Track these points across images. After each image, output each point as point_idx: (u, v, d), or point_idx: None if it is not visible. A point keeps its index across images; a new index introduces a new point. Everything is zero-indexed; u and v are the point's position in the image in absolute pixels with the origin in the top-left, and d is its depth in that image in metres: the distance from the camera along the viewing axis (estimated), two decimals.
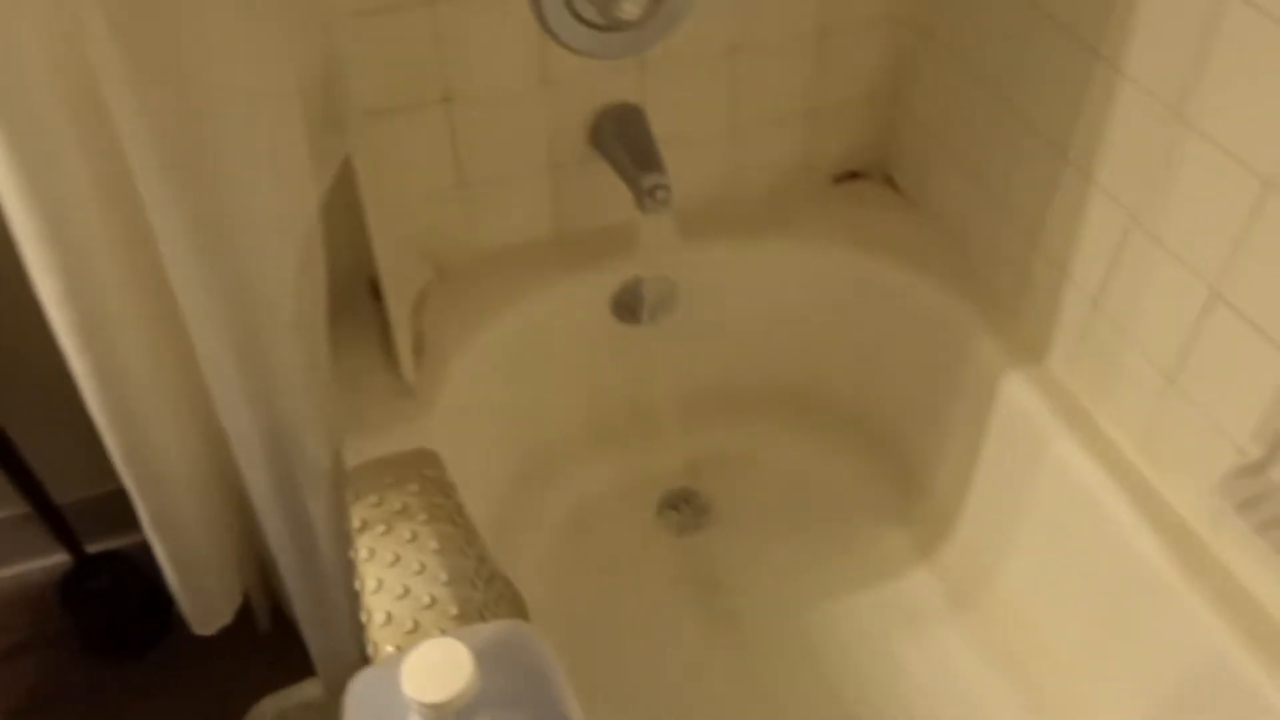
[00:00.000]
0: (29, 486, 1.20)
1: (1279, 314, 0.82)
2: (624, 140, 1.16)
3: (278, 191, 0.83)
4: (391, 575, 0.93)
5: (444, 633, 0.87)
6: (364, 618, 0.91)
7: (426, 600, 0.90)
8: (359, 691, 0.63)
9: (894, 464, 1.40)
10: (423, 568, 0.93)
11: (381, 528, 0.97)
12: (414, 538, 0.96)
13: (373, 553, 0.95)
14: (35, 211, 0.77)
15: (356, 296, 1.19)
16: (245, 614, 1.22)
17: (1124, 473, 1.03)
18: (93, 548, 1.35)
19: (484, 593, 0.98)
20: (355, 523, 0.98)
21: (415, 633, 0.88)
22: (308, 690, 1.29)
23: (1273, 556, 0.81)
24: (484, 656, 0.60)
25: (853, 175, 1.39)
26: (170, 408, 0.95)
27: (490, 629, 0.65)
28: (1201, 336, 0.91)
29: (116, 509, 1.14)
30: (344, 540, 1.01)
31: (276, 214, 0.84)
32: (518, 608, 1.17)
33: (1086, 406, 1.09)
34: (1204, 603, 0.92)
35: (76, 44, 0.70)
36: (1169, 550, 0.96)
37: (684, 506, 1.41)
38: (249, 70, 0.76)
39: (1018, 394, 1.14)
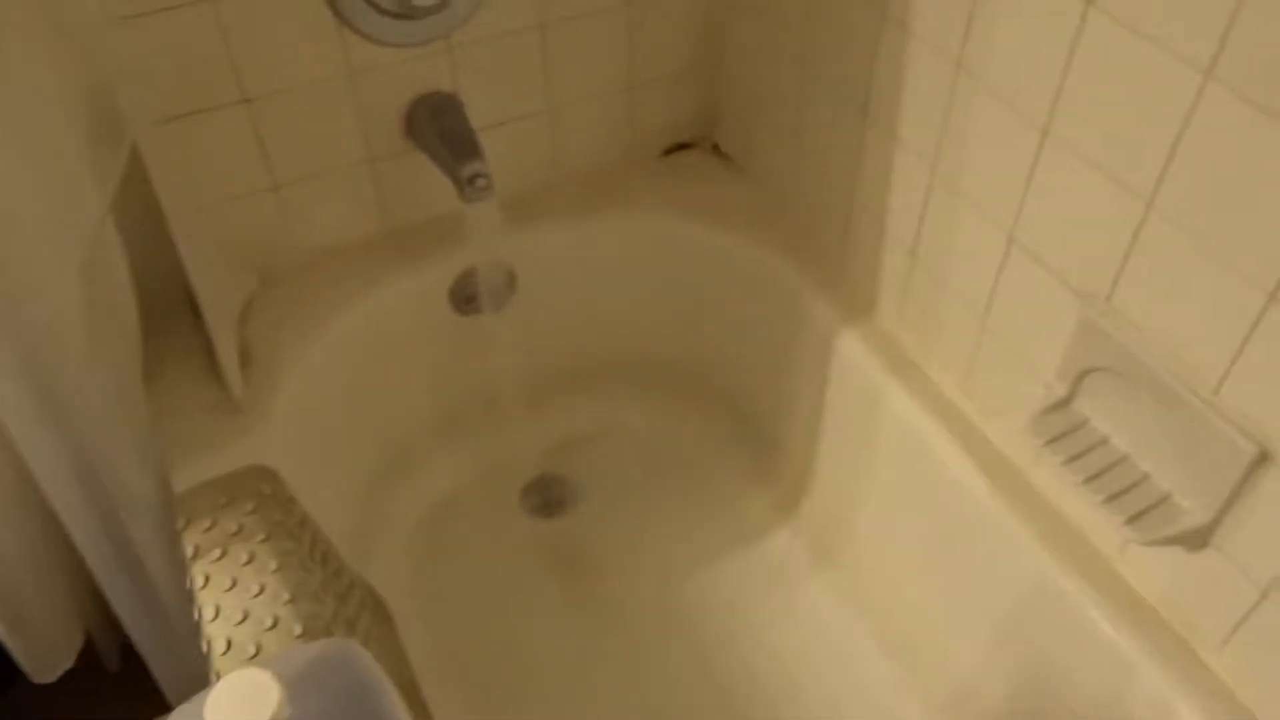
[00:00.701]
0: None
1: (1068, 256, 0.87)
2: (439, 130, 1.13)
3: (48, 211, 0.78)
4: (229, 600, 0.90)
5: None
6: (204, 647, 0.88)
7: (269, 622, 0.88)
8: None
9: (747, 428, 1.42)
10: (262, 589, 0.90)
11: (216, 552, 0.93)
12: (251, 559, 0.93)
13: (208, 579, 0.92)
14: None
15: (174, 310, 1.14)
16: (92, 654, 1.16)
17: (951, 417, 1.07)
18: None
19: (335, 605, 0.96)
20: (189, 550, 0.94)
21: (258, 657, 0.86)
22: None
23: (1082, 487, 0.85)
24: (302, 681, 0.58)
25: (681, 147, 1.39)
26: None
27: (313, 649, 0.63)
28: (1004, 281, 0.95)
29: None
30: (180, 569, 0.97)
31: (49, 234, 0.79)
32: (380, 613, 1.15)
33: (914, 357, 1.13)
34: (1027, 531, 0.98)
35: None
36: (993, 486, 1.01)
37: (545, 491, 1.41)
38: (6, 87, 0.71)
39: (851, 350, 1.17)
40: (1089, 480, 0.84)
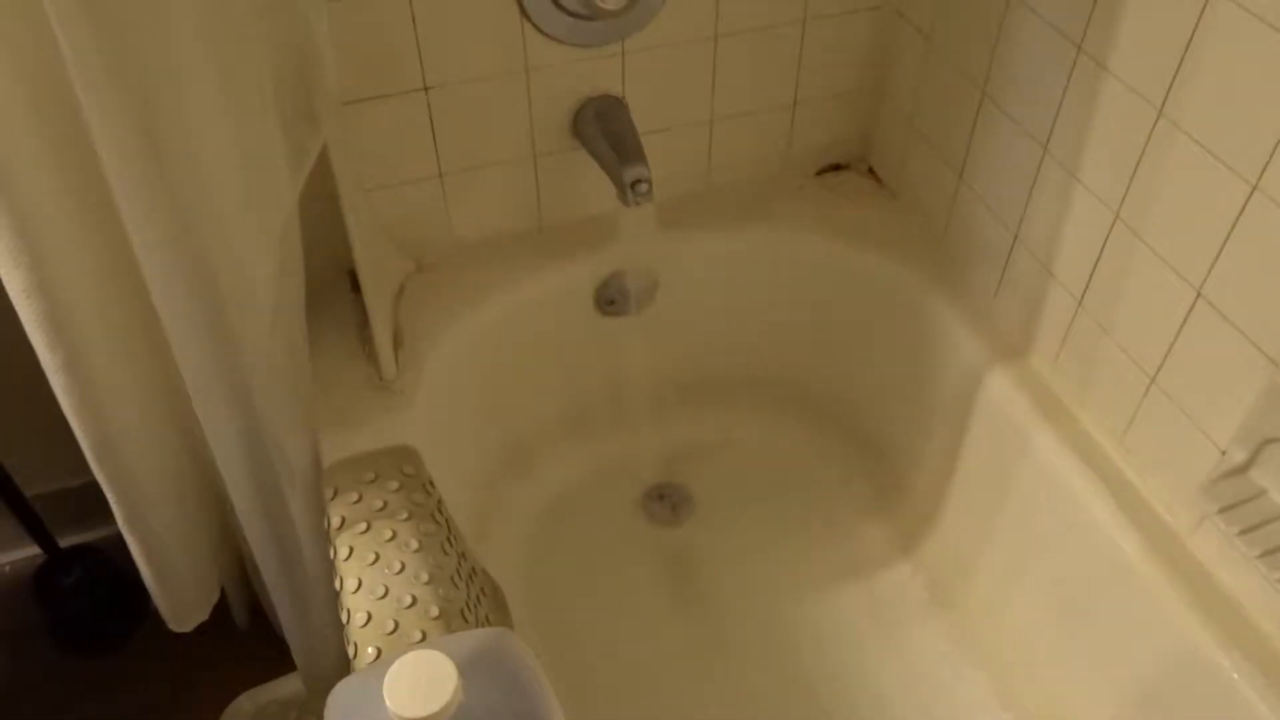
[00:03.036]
0: None
1: (1262, 317, 0.83)
2: (606, 132, 1.14)
3: (252, 184, 0.81)
4: (371, 574, 0.91)
5: (425, 636, 0.86)
6: (344, 617, 0.90)
7: (407, 600, 0.89)
8: (340, 700, 0.63)
9: (875, 457, 1.40)
10: (403, 567, 0.92)
11: (361, 526, 0.95)
12: (394, 536, 0.95)
13: (352, 551, 0.94)
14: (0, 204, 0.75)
15: (335, 289, 1.17)
16: (222, 610, 1.20)
17: (1105, 471, 1.03)
18: (66, 541, 1.33)
19: (465, 591, 0.97)
20: (334, 520, 0.96)
21: (395, 633, 0.87)
22: (285, 686, 1.28)
23: (1252, 559, 0.81)
24: (467, 667, 0.59)
25: (835, 168, 1.38)
26: (144, 403, 0.93)
27: (473, 637, 0.64)
28: (1185, 337, 0.91)
29: (90, 501, 1.12)
30: (323, 538, 0.99)
31: (252, 207, 0.82)
32: (498, 604, 1.16)
33: (1068, 404, 1.09)
34: (1180, 597, 0.93)
35: (42, 34, 0.68)
36: (1148, 548, 0.96)
37: (663, 497, 1.41)
38: (221, 61, 0.74)
39: (999, 390, 1.14)
40: (1265, 555, 0.80)
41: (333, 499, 0.98)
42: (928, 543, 1.32)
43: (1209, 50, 0.81)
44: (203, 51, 0.71)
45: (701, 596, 1.32)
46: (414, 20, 1.03)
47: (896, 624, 1.28)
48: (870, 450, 1.40)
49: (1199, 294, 0.88)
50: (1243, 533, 0.82)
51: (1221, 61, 0.81)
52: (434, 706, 0.52)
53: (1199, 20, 0.81)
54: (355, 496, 0.98)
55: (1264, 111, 0.78)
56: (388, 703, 0.53)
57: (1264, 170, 0.79)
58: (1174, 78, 0.85)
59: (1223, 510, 0.83)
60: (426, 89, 1.09)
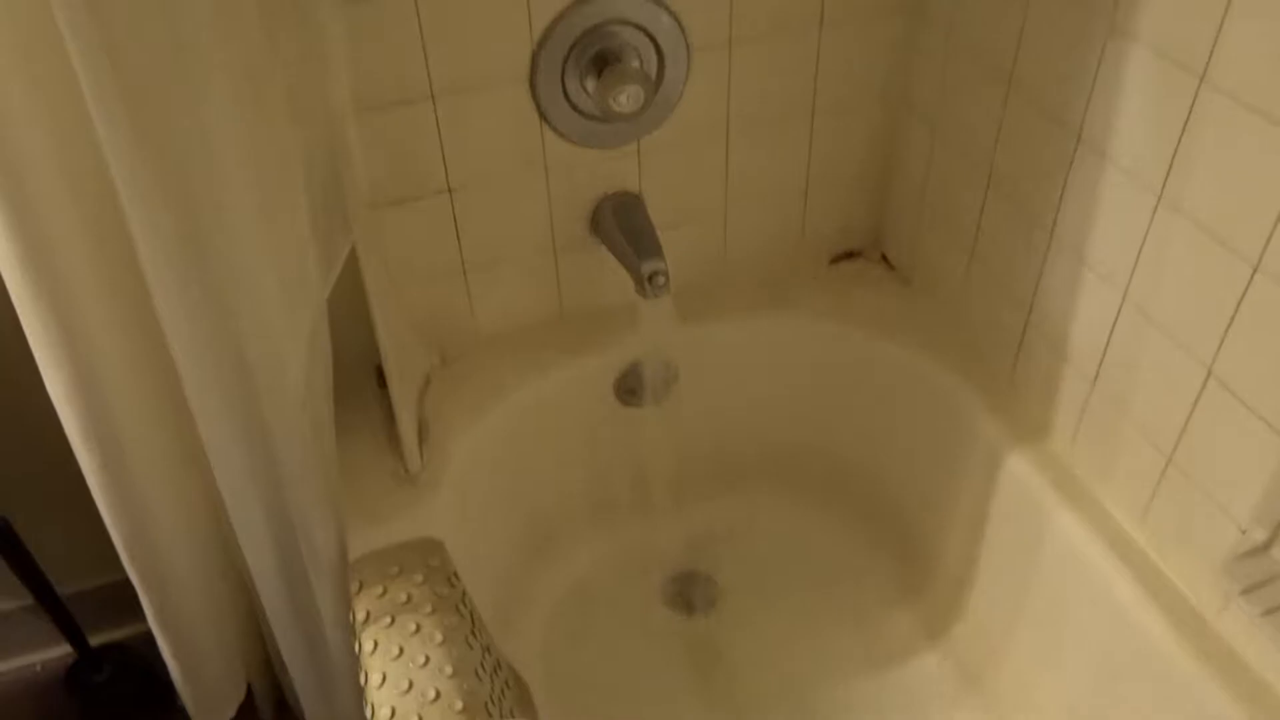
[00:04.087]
0: (33, 578, 1.20)
1: (1273, 395, 0.83)
2: (623, 227, 1.18)
3: (285, 284, 0.85)
4: (396, 669, 0.92)
5: None
6: (368, 712, 0.90)
7: (431, 695, 0.90)
8: None
9: (899, 541, 1.39)
10: (427, 660, 0.93)
11: (386, 620, 0.96)
12: (418, 630, 0.95)
13: (377, 645, 0.95)
14: (43, 305, 0.79)
15: (361, 382, 1.20)
16: (248, 706, 1.21)
17: (1129, 552, 1.03)
18: (96, 639, 1.34)
19: (489, 684, 0.98)
20: (360, 615, 0.98)
21: None
22: None
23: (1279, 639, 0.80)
24: None
25: (849, 255, 1.41)
26: (177, 501, 0.96)
27: None
28: (1198, 416, 0.91)
29: (119, 599, 1.14)
30: (349, 631, 1.00)
31: (285, 306, 0.85)
32: (522, 697, 1.16)
33: (1089, 484, 1.09)
34: (1211, 682, 0.91)
35: (91, 149, 0.72)
36: (1175, 630, 0.95)
37: (686, 583, 1.41)
38: (259, 168, 0.78)
39: (1019, 470, 1.14)
40: None
41: (358, 593, 0.99)
42: (956, 628, 1.30)
43: (1203, 137, 0.84)
44: (243, 159, 0.76)
45: (726, 687, 1.31)
46: (438, 126, 1.08)
47: (927, 711, 1.26)
48: (895, 535, 1.40)
49: (1210, 372, 0.89)
50: (1266, 613, 0.81)
51: (1216, 148, 0.83)
52: None
53: (1190, 110, 0.84)
54: (380, 590, 0.99)
55: (1260, 195, 0.80)
56: None
57: (1264, 252, 0.80)
58: (1171, 164, 0.87)
59: (1245, 591, 0.83)
60: (451, 191, 1.14)
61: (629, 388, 1.30)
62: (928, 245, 1.30)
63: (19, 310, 0.80)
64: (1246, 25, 0.78)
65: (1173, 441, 0.95)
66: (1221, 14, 0.79)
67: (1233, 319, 0.85)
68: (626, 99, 1.06)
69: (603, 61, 1.09)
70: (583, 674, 1.32)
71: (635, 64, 1.10)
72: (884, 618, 1.35)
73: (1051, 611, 1.14)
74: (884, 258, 1.40)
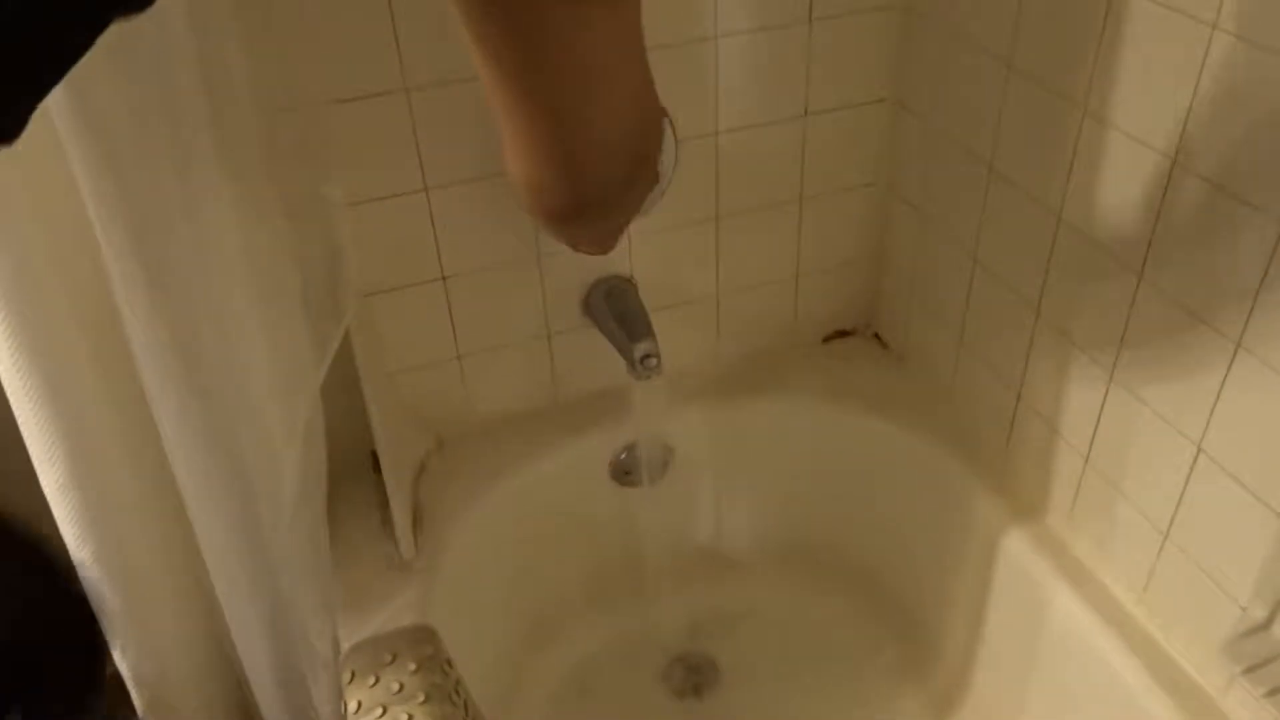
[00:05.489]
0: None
1: (1264, 471, 0.83)
2: (615, 310, 1.19)
3: (280, 374, 0.85)
4: None
5: None
6: None
7: None
8: None
9: (901, 622, 1.38)
10: None
11: (378, 710, 0.95)
12: None
13: None
14: (37, 399, 0.79)
15: (356, 467, 1.21)
16: None
17: (1130, 630, 1.01)
18: None
19: None
20: (351, 705, 0.96)
21: None
22: None
23: None
24: None
25: (842, 334, 1.42)
26: (171, 596, 0.95)
27: None
28: (1191, 493, 0.91)
29: (108, 693, 1.12)
30: None
31: (279, 396, 0.86)
32: None
33: (1087, 563, 1.08)
34: None
35: (81, 239, 0.74)
36: (1180, 712, 0.94)
37: (687, 670, 1.39)
38: (254, 262, 0.80)
39: (1017, 550, 1.13)
40: None
41: (350, 683, 0.98)
42: (961, 710, 1.28)
43: (1181, 217, 0.86)
44: (240, 261, 0.77)
45: None
46: (431, 217, 1.11)
47: None
48: (897, 616, 1.38)
49: (1199, 449, 0.89)
50: (1270, 694, 0.80)
51: (1194, 227, 0.85)
52: None
53: (1165, 191, 0.86)
54: (373, 679, 0.98)
55: (1238, 273, 0.81)
56: None
57: (1245, 328, 0.81)
58: (1150, 243, 0.89)
59: (1248, 670, 0.82)
60: (444, 279, 1.15)
61: (625, 469, 1.30)
62: (919, 325, 1.32)
63: (13, 399, 0.81)
64: (1211, 108, 0.80)
65: (1168, 518, 0.95)
66: (1189, 99, 0.81)
67: (1219, 396, 0.85)
68: None
69: None
70: None
71: None
72: (887, 700, 1.33)
73: (1056, 692, 1.12)
74: (877, 336, 1.41)
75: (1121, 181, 0.91)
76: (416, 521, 1.16)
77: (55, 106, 0.64)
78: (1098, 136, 0.92)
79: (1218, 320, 0.84)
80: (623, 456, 1.30)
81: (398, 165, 1.06)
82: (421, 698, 0.96)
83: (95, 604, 0.90)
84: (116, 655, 0.96)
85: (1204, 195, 0.82)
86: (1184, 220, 0.85)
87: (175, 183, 0.70)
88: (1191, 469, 0.90)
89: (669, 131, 1.14)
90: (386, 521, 1.14)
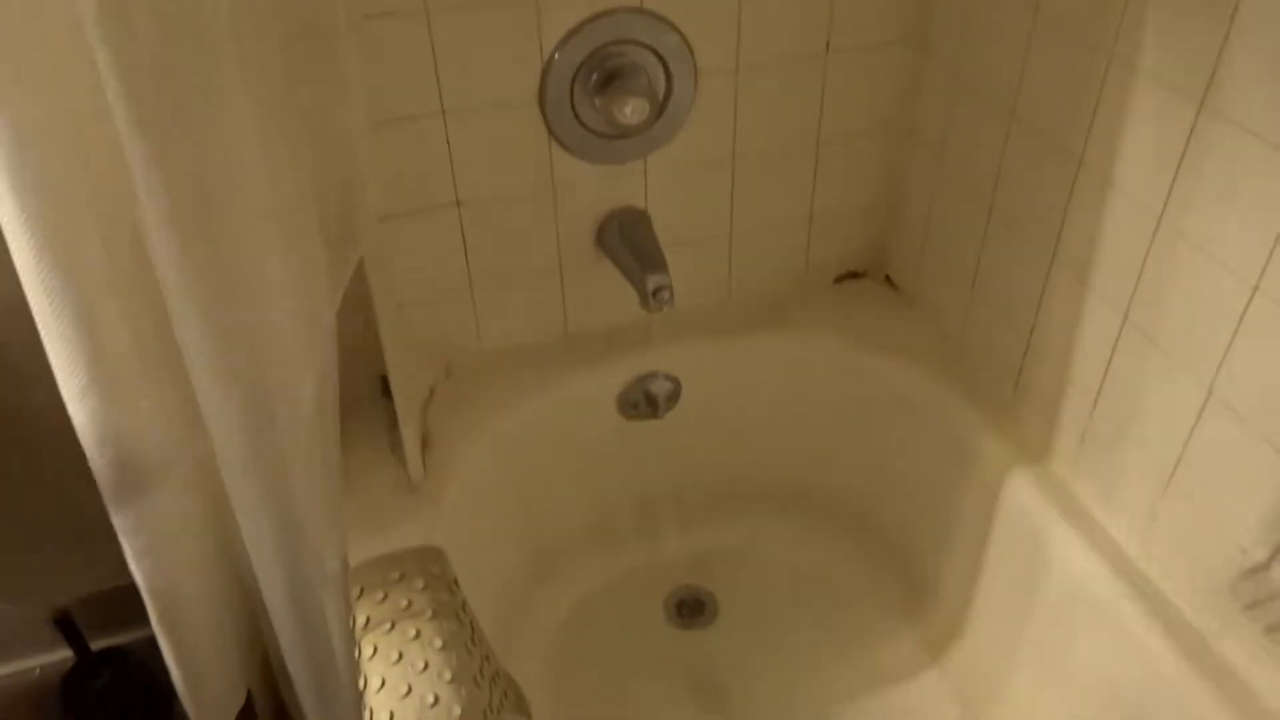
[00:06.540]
0: None
1: (1273, 414, 0.84)
2: (629, 243, 1.19)
3: (298, 295, 0.86)
4: (395, 673, 0.92)
5: None
6: (367, 717, 0.91)
7: (430, 699, 0.90)
8: None
9: (899, 562, 1.39)
10: (426, 665, 0.93)
11: (386, 625, 0.97)
12: (418, 635, 0.96)
13: (376, 650, 0.95)
14: (60, 309, 0.80)
15: (366, 393, 1.21)
16: (248, 714, 1.20)
17: (1129, 573, 1.03)
18: (97, 644, 1.34)
19: (488, 692, 0.98)
20: (360, 620, 0.98)
21: None
22: None
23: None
24: None
25: (853, 275, 1.42)
26: (185, 510, 0.96)
27: None
28: (1199, 436, 0.92)
29: (122, 606, 1.14)
30: (350, 640, 1.00)
31: (300, 326, 0.86)
32: (520, 705, 1.16)
33: (1089, 505, 1.09)
34: (1212, 701, 0.91)
35: (114, 162, 0.73)
36: (1176, 652, 0.95)
37: (687, 603, 1.41)
38: (278, 186, 0.80)
39: (1020, 492, 1.14)
40: None
41: (359, 598, 0.99)
42: (956, 649, 1.30)
43: (1202, 160, 0.85)
44: (259, 168, 0.77)
45: (726, 705, 1.30)
46: (448, 141, 1.10)
47: None
48: (896, 555, 1.40)
49: (1210, 393, 0.89)
50: (1267, 630, 0.81)
51: (1215, 170, 0.84)
52: None
53: (1190, 134, 0.85)
54: (381, 595, 0.99)
55: (1259, 217, 0.81)
56: None
57: (1263, 272, 0.81)
58: (1171, 187, 0.89)
59: (1247, 608, 0.83)
60: (459, 204, 1.15)
61: (632, 402, 1.31)
62: (930, 269, 1.32)
63: (35, 311, 0.81)
64: (1245, 54, 0.79)
65: (1173, 461, 0.96)
66: (1220, 42, 0.80)
67: (1233, 339, 0.86)
68: (631, 111, 1.08)
69: (610, 78, 1.11)
70: (584, 691, 1.32)
71: (642, 79, 1.12)
72: (884, 638, 1.35)
73: (1053, 632, 1.14)
74: (888, 279, 1.41)
75: (1146, 126, 0.91)
76: (425, 446, 1.17)
77: (85, 10, 0.63)
78: (1124, 82, 0.91)
79: (1236, 264, 0.84)
80: (631, 390, 1.31)
81: (416, 87, 1.05)
82: (429, 613, 0.97)
83: (111, 509, 0.92)
84: (132, 563, 0.97)
85: (1231, 139, 0.82)
86: (1208, 165, 0.85)
87: (199, 95, 0.69)
88: (1201, 412, 0.91)
89: (689, 62, 1.14)
90: (396, 445, 1.15)
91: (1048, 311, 1.10)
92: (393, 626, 0.96)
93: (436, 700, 0.90)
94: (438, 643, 0.95)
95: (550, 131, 1.13)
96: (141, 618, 1.03)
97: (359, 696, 0.94)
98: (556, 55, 1.08)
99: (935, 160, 1.24)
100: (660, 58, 1.12)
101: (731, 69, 1.17)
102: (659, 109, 1.15)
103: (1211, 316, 0.87)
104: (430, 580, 1.02)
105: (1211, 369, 0.89)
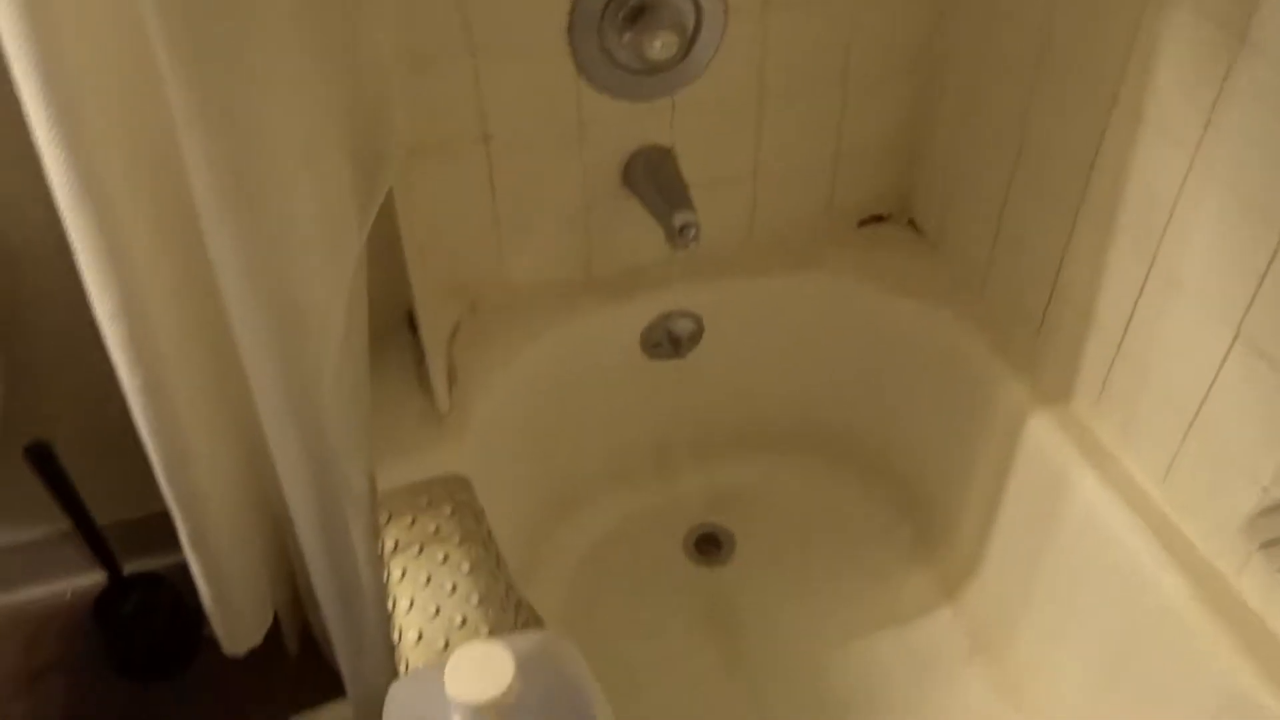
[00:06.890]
0: (70, 504, 1.23)
1: None
2: (655, 180, 1.19)
3: (328, 224, 0.87)
4: (424, 595, 0.95)
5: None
6: (395, 636, 0.93)
7: (458, 620, 0.92)
8: (399, 698, 0.65)
9: (917, 502, 1.41)
10: (455, 588, 0.95)
11: (415, 549, 0.99)
12: (446, 559, 0.98)
13: (405, 573, 0.97)
14: (95, 233, 0.81)
15: (394, 326, 1.23)
16: (274, 637, 1.24)
17: (1148, 513, 1.04)
18: (128, 568, 1.37)
19: (513, 617, 1.00)
20: (389, 544, 1.00)
21: (447, 651, 0.90)
22: (335, 712, 1.30)
23: None
24: (522, 664, 0.62)
25: (877, 219, 1.42)
26: (217, 428, 0.98)
27: (527, 639, 0.67)
28: (1224, 377, 0.92)
29: (153, 531, 1.16)
30: (377, 563, 1.03)
31: (327, 243, 0.87)
32: None
33: (1110, 448, 1.10)
34: (1228, 640, 0.93)
35: (149, 81, 0.74)
36: (1193, 590, 0.97)
37: (706, 541, 1.43)
38: (307, 114, 0.80)
39: (1041, 435, 1.15)
40: None
41: (387, 523, 1.01)
42: (970, 589, 1.32)
43: (1239, 99, 0.85)
44: (293, 105, 0.77)
45: (742, 641, 1.33)
46: (477, 76, 1.10)
47: (938, 672, 1.28)
48: (913, 496, 1.41)
49: (1238, 333, 0.90)
50: None
51: (1251, 110, 0.84)
52: (493, 692, 0.55)
53: (1228, 72, 0.85)
54: (409, 520, 1.01)
55: None
56: (449, 689, 0.56)
57: None
58: (1206, 125, 0.88)
59: (1264, 546, 0.84)
60: (486, 139, 1.15)
61: (655, 340, 1.32)
62: (955, 212, 1.31)
63: (71, 234, 0.82)
64: None
65: (1197, 402, 0.96)
66: None
67: (1262, 280, 0.86)
68: (661, 46, 1.07)
69: (640, 12, 1.10)
70: (602, 625, 1.34)
71: (672, 13, 1.11)
72: (900, 576, 1.37)
73: (1068, 573, 1.15)
74: (911, 222, 1.41)
75: (1183, 61, 0.90)
76: (450, 379, 1.18)
77: None
78: (1163, 12, 0.90)
79: (1270, 205, 0.83)
80: (654, 329, 1.31)
81: (444, 21, 1.05)
82: (457, 539, 0.99)
83: (142, 429, 0.93)
84: (163, 484, 0.99)
85: (1270, 77, 0.81)
86: (1245, 102, 0.84)
87: (233, 13, 0.70)
88: (1228, 353, 0.91)
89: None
90: (422, 378, 1.17)
91: (1073, 255, 1.10)
92: (421, 550, 0.98)
93: (465, 621, 0.92)
94: (465, 566, 0.97)
95: (578, 67, 1.13)
96: (173, 543, 1.06)
97: (386, 619, 0.96)
98: None
99: (961, 102, 1.24)
100: None
101: (760, 4, 1.16)
102: (687, 45, 1.14)
103: (1242, 258, 0.87)
104: (457, 507, 1.04)
105: (1240, 311, 0.89)
